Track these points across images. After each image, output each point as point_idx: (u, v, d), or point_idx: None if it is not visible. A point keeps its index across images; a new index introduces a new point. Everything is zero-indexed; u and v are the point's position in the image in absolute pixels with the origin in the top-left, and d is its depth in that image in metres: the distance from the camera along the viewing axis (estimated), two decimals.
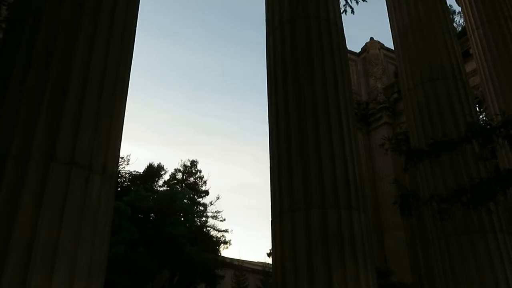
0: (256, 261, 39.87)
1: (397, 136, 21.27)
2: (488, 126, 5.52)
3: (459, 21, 23.80)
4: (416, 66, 8.88)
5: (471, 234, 7.00)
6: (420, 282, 19.21)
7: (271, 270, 19.23)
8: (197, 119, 67.01)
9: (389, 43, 22.55)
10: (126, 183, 24.11)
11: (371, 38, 24.42)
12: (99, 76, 4.71)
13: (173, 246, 19.45)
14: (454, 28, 12.03)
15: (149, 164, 25.78)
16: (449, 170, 7.34)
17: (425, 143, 6.97)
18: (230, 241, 25.89)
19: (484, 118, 11.93)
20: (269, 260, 30.21)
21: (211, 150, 64.33)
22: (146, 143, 59.93)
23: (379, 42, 24.19)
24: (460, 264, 7.02)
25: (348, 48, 8.00)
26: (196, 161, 27.57)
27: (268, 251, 28.49)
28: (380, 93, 22.79)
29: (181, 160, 29.45)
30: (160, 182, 26.01)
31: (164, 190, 24.15)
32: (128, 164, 24.88)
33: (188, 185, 26.46)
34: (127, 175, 24.55)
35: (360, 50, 24.60)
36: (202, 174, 27.36)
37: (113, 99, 4.74)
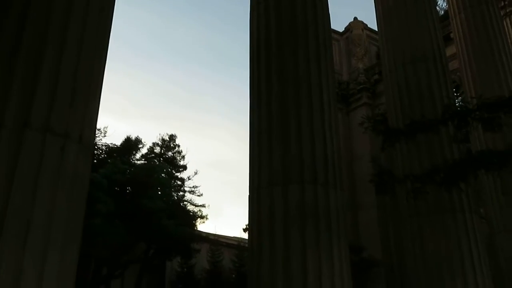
0: (232, 236, 40.31)
1: (376, 117, 21.58)
2: (464, 109, 5.64)
3: (442, 5, 23.89)
4: (398, 47, 8.93)
5: (442, 213, 7.24)
6: (389, 259, 19.92)
7: (246, 245, 19.53)
8: (177, 92, 66.14)
9: (372, 24, 22.58)
10: (102, 156, 23.75)
11: (355, 18, 24.35)
12: (77, 43, 4.55)
13: (150, 220, 19.45)
14: (437, 12, 12.08)
15: (127, 137, 25.42)
16: (424, 150, 7.51)
17: (403, 124, 7.10)
18: (206, 216, 26.06)
19: (461, 102, 12.19)
20: (244, 236, 30.60)
21: (191, 124, 63.90)
22: (124, 116, 58.94)
23: (362, 23, 24.16)
24: (429, 242, 7.28)
25: (332, 27, 7.94)
26: (175, 136, 27.36)
27: (244, 227, 28.79)
28: (361, 73, 22.93)
29: (160, 134, 29.14)
30: (138, 156, 25.75)
31: (141, 163, 23.94)
32: (105, 136, 24.46)
33: (166, 159, 26.31)
34: (103, 147, 24.16)
35: (343, 29, 24.53)
36: (180, 148, 27.22)
37: (91, 66, 4.60)
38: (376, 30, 11.31)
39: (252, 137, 6.54)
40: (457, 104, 8.07)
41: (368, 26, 23.95)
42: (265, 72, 6.57)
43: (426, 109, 7.62)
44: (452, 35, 12.24)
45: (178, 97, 64.88)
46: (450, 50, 14.29)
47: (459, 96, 15.45)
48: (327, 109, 6.30)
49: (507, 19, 13.42)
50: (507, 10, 13.59)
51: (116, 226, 18.12)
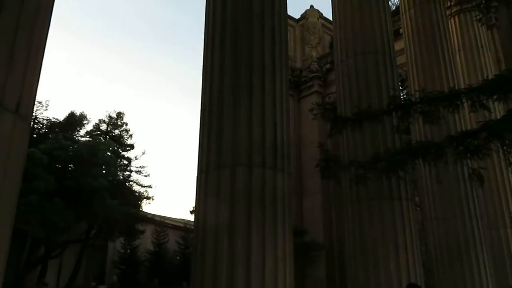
0: (178, 218, 40.03)
1: (326, 105, 22.12)
2: (408, 102, 5.92)
3: (394, 0, 24.70)
4: (351, 38, 9.15)
5: (381, 199, 7.64)
6: (330, 242, 20.77)
7: (192, 227, 19.43)
8: (128, 69, 63.71)
9: (328, 14, 22.91)
10: (43, 130, 22.47)
11: (311, 6, 24.56)
12: (17, 5, 4.20)
13: (93, 199, 18.79)
14: (390, 6, 12.49)
15: (71, 112, 24.20)
16: (369, 139, 7.84)
17: (351, 113, 7.33)
18: (153, 196, 25.59)
19: (405, 95, 12.77)
20: (191, 218, 30.48)
21: (139, 103, 61.99)
22: (68, 91, 55.92)
23: (318, 11, 24.42)
24: (367, 226, 7.66)
25: (288, 13, 7.96)
26: (123, 113, 26.42)
27: (192, 209, 28.67)
28: (314, 61, 23.29)
29: (107, 111, 28.05)
30: (82, 132, 24.63)
31: (86, 140, 22.94)
32: (46, 109, 23.13)
33: (113, 137, 25.38)
34: (44, 122, 22.84)
35: (299, 16, 24.68)
36: (128, 127, 26.37)
37: (31, 31, 4.28)
38: (331, 19, 11.48)
39: (203, 118, 6.46)
40: (402, 97, 8.45)
41: (324, 15, 24.27)
42: (219, 54, 6.47)
43: (373, 100, 7.92)
44: (401, 30, 12.72)
45: (129, 74, 62.52)
46: (399, 45, 14.88)
47: (405, 89, 16.19)
48: (279, 94, 6.34)
49: (452, 20, 14.15)
50: (452, 11, 14.31)
51: (56, 204, 17.34)
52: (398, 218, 7.66)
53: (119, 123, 26.18)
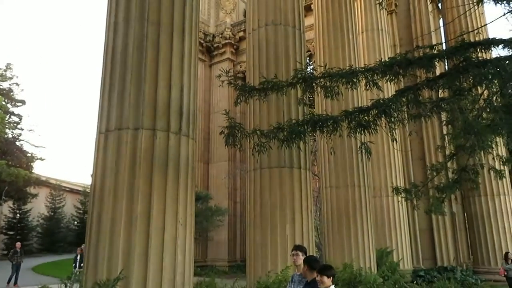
0: (77, 182, 37.94)
1: (236, 74, 22.19)
2: (312, 76, 6.19)
3: None
4: (264, 8, 9.18)
5: (282, 168, 8.03)
6: (234, 208, 21.47)
7: None
8: (22, 18, 56.64)
9: None
10: None
11: None
12: None
13: None
14: None
15: None
16: (274, 109, 8.10)
17: (259, 82, 7.45)
18: (43, 158, 23.71)
19: (311, 70, 13.34)
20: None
21: (36, 55, 55.92)
22: None
23: None
24: (267, 193, 8.04)
25: None
26: (12, 64, 23.64)
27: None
28: (228, 28, 23.04)
29: None
30: None
31: None
32: None
33: (1, 90, 22.70)
34: None
35: None
36: (19, 80, 23.74)
37: None
38: None
39: (104, 75, 6.05)
40: (308, 70, 8.80)
41: None
42: (124, 11, 6.02)
43: (280, 71, 8.13)
44: (313, 6, 13.10)
45: (23, 23, 55.62)
46: (309, 20, 15.38)
47: (313, 63, 16.88)
48: (188, 56, 6.17)
49: (358, 1, 14.94)
50: None
51: None
52: (296, 186, 8.15)
53: (8, 75, 23.43)
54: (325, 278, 3.88)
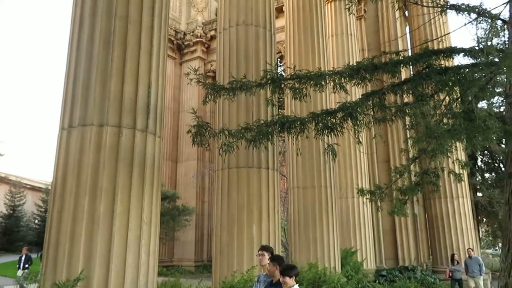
0: (39, 179, 36.63)
1: (207, 72, 22.06)
2: (281, 77, 6.23)
3: None
4: (235, 7, 9.17)
5: (249, 168, 8.05)
6: (202, 208, 21.31)
7: None
8: None
9: None
10: None
11: None
12: None
13: None
14: None
15: None
16: (243, 109, 8.11)
17: (229, 81, 7.43)
18: (4, 154, 22.73)
19: (282, 71, 13.44)
20: None
21: None
22: None
23: None
24: (235, 193, 8.03)
25: None
26: None
27: None
28: (199, 26, 22.87)
29: None
30: None
31: None
32: None
33: None
34: None
35: None
36: None
37: None
38: None
39: (68, 69, 5.88)
40: (278, 72, 8.85)
41: None
42: (91, 4, 5.86)
43: (249, 71, 8.15)
44: (284, 8, 13.20)
45: None
46: (281, 22, 15.50)
47: (283, 65, 17.02)
48: (156, 53, 6.09)
49: (328, 5, 15.19)
50: None
51: None
52: (264, 186, 8.18)
53: None
54: (287, 279, 3.91)
